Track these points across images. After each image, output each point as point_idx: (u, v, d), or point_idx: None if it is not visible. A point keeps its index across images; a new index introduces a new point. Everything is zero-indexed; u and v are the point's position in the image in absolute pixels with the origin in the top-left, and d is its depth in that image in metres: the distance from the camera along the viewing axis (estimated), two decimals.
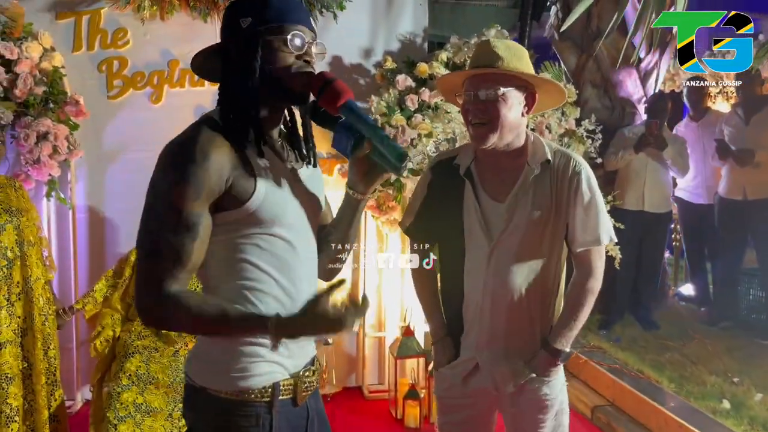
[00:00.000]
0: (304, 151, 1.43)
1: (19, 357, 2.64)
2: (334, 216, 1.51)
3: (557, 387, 1.79)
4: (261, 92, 1.29)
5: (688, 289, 5.11)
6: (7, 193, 2.70)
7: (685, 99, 4.82)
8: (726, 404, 3.18)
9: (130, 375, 2.73)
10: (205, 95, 3.54)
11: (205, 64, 1.37)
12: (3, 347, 2.57)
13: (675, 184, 4.70)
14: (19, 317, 2.65)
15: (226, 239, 1.29)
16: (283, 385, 1.33)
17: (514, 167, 1.71)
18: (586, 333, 4.31)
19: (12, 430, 2.59)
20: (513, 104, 1.65)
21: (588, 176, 1.70)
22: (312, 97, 1.32)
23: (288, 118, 1.43)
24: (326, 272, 1.51)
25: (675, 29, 3.61)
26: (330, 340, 3.83)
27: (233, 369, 1.30)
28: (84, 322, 3.25)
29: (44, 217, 3.35)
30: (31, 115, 3.18)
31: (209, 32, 3.52)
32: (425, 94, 3.44)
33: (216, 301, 1.26)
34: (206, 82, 3.57)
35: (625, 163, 4.28)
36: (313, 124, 1.43)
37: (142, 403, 2.69)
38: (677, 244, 5.70)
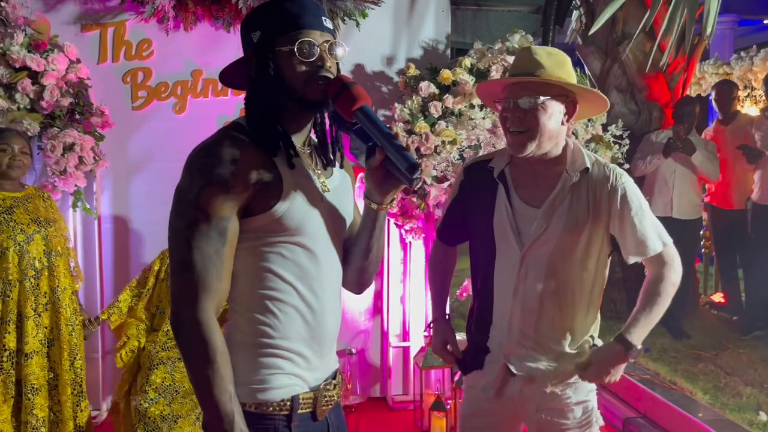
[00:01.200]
0: (330, 156, 1.39)
1: (45, 367, 2.66)
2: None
3: (583, 392, 1.75)
4: (280, 102, 1.29)
5: (719, 298, 4.98)
6: (35, 204, 2.72)
7: (713, 102, 4.72)
8: (763, 416, 3.08)
9: (156, 388, 2.72)
10: (228, 105, 3.55)
11: (230, 76, 1.39)
12: (30, 357, 2.58)
13: (705, 190, 4.59)
14: (46, 327, 2.66)
15: (250, 247, 1.27)
16: (303, 399, 1.30)
17: (551, 174, 1.68)
18: None
19: None
20: (553, 113, 1.62)
21: (632, 186, 1.68)
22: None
23: (319, 122, 1.39)
24: (354, 285, 1.47)
25: (705, 32, 3.54)
26: (353, 350, 3.80)
27: (252, 380, 1.27)
28: (109, 332, 3.25)
29: (70, 227, 3.37)
30: (57, 127, 3.21)
31: (232, 42, 3.53)
32: (449, 100, 3.41)
33: (230, 369, 1.22)
34: (229, 92, 3.58)
35: (653, 169, 4.20)
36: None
37: (169, 414, 2.68)
38: (706, 251, 5.57)
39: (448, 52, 3.82)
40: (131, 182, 3.58)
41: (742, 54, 5.91)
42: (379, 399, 3.85)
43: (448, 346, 1.88)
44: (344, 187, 1.43)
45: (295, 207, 1.27)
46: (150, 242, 3.55)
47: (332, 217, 1.36)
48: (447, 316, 1.93)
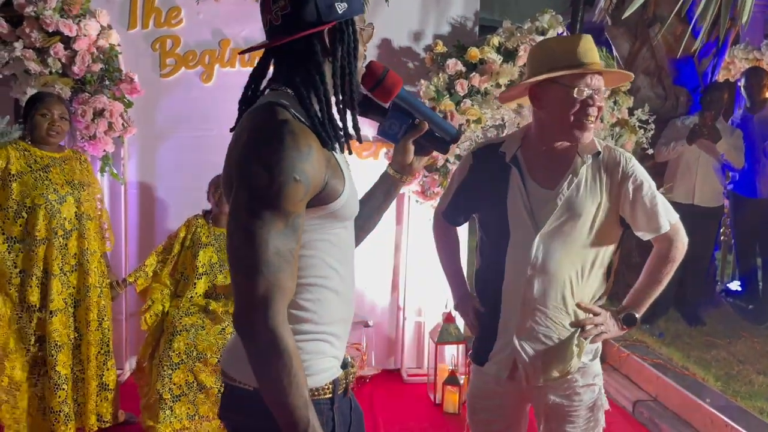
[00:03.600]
0: (349, 140, 1.31)
1: (69, 326, 2.74)
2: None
3: (590, 376, 1.79)
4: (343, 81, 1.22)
5: (736, 286, 4.98)
6: (72, 166, 2.78)
7: (742, 90, 4.65)
8: None
9: (179, 353, 2.80)
10: None
11: (274, 52, 1.26)
12: (54, 315, 2.66)
13: (728, 178, 4.56)
14: (73, 288, 2.74)
15: (305, 237, 1.20)
16: (340, 379, 1.28)
17: (564, 157, 1.72)
18: None
19: (59, 397, 2.68)
20: None
21: (640, 169, 1.73)
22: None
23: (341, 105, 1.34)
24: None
25: (741, 19, 3.47)
26: (371, 323, 3.87)
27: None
28: (134, 294, 3.34)
29: None
30: (88, 92, 3.26)
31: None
32: (475, 79, 3.40)
33: (297, 366, 1.13)
34: (256, 62, 3.59)
35: (676, 155, 4.18)
36: None
37: (193, 381, 2.77)
38: (725, 239, 5.54)
39: (476, 29, 3.79)
40: (158, 149, 3.63)
41: None
42: (393, 371, 3.93)
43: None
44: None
45: (350, 197, 1.25)
46: (174, 209, 3.60)
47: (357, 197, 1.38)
48: (470, 293, 1.96)
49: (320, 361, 1.25)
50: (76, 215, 2.72)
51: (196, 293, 3.09)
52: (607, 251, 1.75)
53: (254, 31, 3.56)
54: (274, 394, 1.12)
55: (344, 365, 1.33)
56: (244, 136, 1.16)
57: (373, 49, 3.67)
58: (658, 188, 3.66)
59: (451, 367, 3.53)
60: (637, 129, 3.62)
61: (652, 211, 1.71)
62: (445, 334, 3.56)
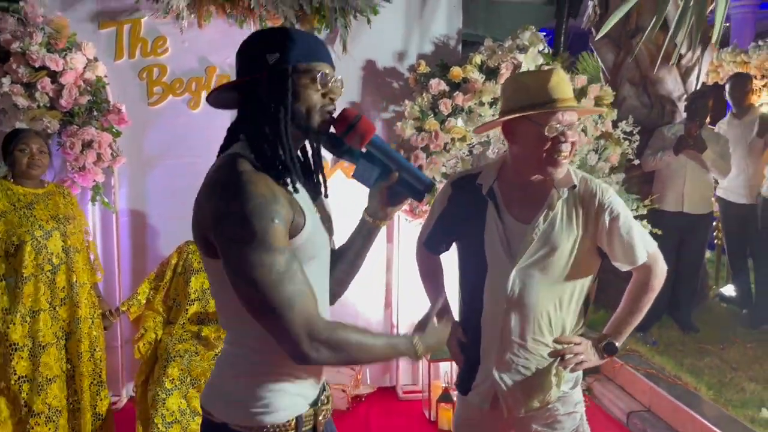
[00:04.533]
0: (320, 183, 1.42)
1: (61, 359, 2.76)
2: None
3: (571, 404, 1.82)
4: (290, 128, 1.28)
5: (729, 290, 5.00)
6: (55, 201, 2.81)
7: (727, 96, 4.68)
8: (765, 413, 3.13)
9: (173, 379, 2.83)
10: None
11: (221, 98, 1.36)
12: (45, 349, 2.69)
13: (716, 183, 4.59)
14: (63, 321, 2.76)
15: None
16: (305, 417, 1.33)
17: (540, 190, 1.73)
18: None
19: (49, 429, 2.70)
20: None
21: (617, 200, 1.73)
22: (332, 130, 1.34)
23: (314, 150, 1.42)
24: (333, 295, 1.48)
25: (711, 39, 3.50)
26: None
27: (257, 404, 1.28)
28: (129, 321, 3.37)
29: (90, 221, 3.46)
30: (76, 124, 3.30)
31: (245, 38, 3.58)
32: (459, 97, 3.44)
33: (361, 330, 1.26)
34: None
35: (663, 165, 4.20)
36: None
37: (186, 408, 2.79)
38: (719, 242, 5.57)
39: (459, 47, 3.83)
40: (148, 177, 3.67)
41: (760, 43, 5.84)
42: (388, 389, 3.95)
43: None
44: (326, 204, 1.47)
45: (314, 233, 1.30)
46: (166, 235, 3.63)
47: (329, 235, 1.43)
48: (455, 321, 1.98)
49: (280, 399, 1.30)
50: (63, 249, 2.75)
51: (189, 319, 3.13)
52: (585, 282, 1.77)
53: None
54: (377, 359, 1.31)
55: (315, 402, 1.36)
56: (211, 191, 1.22)
57: (357, 70, 3.71)
58: (646, 197, 3.69)
59: (444, 384, 3.55)
60: (622, 141, 3.65)
61: (629, 243, 1.71)
62: (438, 351, 3.56)
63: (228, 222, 1.17)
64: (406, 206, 3.63)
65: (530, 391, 1.76)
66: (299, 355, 1.19)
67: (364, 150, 1.37)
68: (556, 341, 1.76)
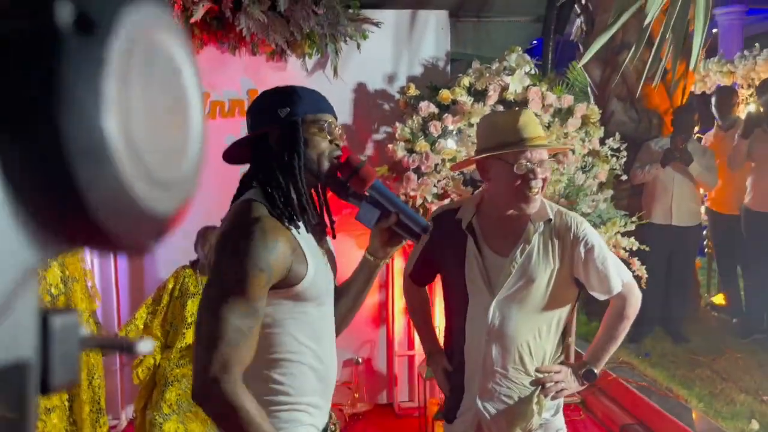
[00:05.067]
0: (329, 227, 1.55)
1: None
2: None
3: (553, 431, 1.89)
4: (304, 175, 1.39)
5: (720, 300, 5.06)
6: None
7: (713, 108, 4.76)
8: (755, 425, 3.18)
9: (170, 404, 2.88)
10: (235, 125, 3.66)
11: (234, 154, 1.47)
12: None
13: (705, 195, 4.66)
14: None
15: (272, 314, 1.37)
16: None
17: (517, 224, 1.80)
18: None
19: None
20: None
21: (591, 233, 1.80)
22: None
23: (321, 195, 1.53)
24: (337, 329, 1.60)
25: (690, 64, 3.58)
26: (360, 359, 3.94)
27: None
28: None
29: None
30: None
31: (237, 65, 3.65)
32: (448, 119, 3.50)
33: (261, 415, 1.29)
34: (236, 113, 3.71)
35: (651, 177, 4.28)
36: None
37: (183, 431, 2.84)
38: (710, 251, 5.64)
39: (448, 68, 3.90)
40: None
41: (746, 53, 5.93)
42: (386, 406, 3.99)
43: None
44: (331, 246, 1.59)
45: (317, 278, 1.40)
46: (163, 260, 3.68)
47: (331, 278, 1.52)
48: (441, 350, 2.04)
49: (295, 429, 1.40)
50: (61, 279, 2.80)
51: (186, 343, 3.17)
52: (563, 312, 1.84)
53: (233, 83, 3.68)
54: None
55: (324, 430, 1.49)
56: (224, 227, 1.37)
57: (348, 93, 3.78)
58: (635, 211, 3.75)
59: (441, 401, 3.60)
60: (609, 158, 3.71)
61: (604, 273, 1.78)
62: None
63: (225, 256, 1.31)
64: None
65: (513, 419, 1.82)
66: (195, 392, 1.29)
67: (366, 194, 1.47)
68: (537, 370, 1.82)
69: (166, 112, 0.36)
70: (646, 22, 2.80)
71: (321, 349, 1.44)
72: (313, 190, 1.48)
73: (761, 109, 4.35)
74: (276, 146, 1.38)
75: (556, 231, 1.79)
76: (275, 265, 1.29)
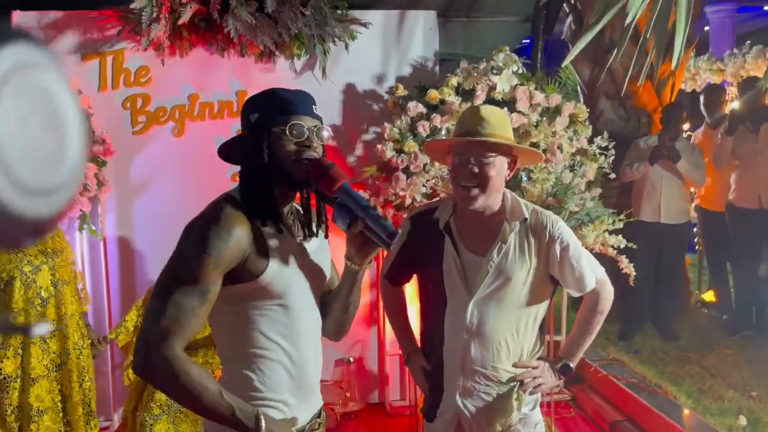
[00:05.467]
0: (313, 228, 1.57)
1: (53, 391, 2.82)
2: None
3: (531, 426, 1.90)
4: (272, 177, 1.44)
5: (710, 296, 5.09)
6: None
7: (702, 107, 4.79)
8: (743, 420, 3.21)
9: (161, 405, 2.88)
10: (225, 127, 3.68)
11: (228, 152, 1.54)
12: (36, 381, 2.75)
13: (694, 193, 4.69)
14: (54, 353, 2.82)
15: (239, 310, 1.43)
16: None
17: (493, 224, 1.82)
18: (606, 344, 4.35)
19: None
20: (500, 169, 1.76)
21: (566, 231, 1.82)
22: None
23: (305, 196, 1.55)
24: (332, 333, 1.65)
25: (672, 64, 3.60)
26: (351, 359, 3.96)
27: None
28: (119, 346, 3.42)
29: (77, 249, 3.53)
30: None
31: (226, 66, 3.66)
32: (437, 119, 3.52)
33: (208, 378, 1.34)
34: (225, 114, 3.73)
35: (639, 176, 4.30)
36: None
37: None
38: (700, 247, 5.67)
39: (437, 69, 3.92)
40: (134, 204, 3.73)
41: (736, 51, 5.96)
42: (377, 405, 4.01)
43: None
44: (322, 248, 1.60)
45: (280, 275, 1.43)
46: (153, 261, 3.70)
47: (312, 277, 1.53)
48: (419, 350, 2.05)
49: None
50: (51, 282, 2.81)
51: None
52: (540, 309, 1.86)
53: (222, 85, 3.69)
54: (194, 405, 1.35)
55: (302, 429, 1.51)
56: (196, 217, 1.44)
57: (337, 93, 3.80)
58: (625, 209, 3.77)
59: None
60: (597, 156, 3.73)
61: (578, 271, 1.81)
62: None
63: (184, 238, 1.39)
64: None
65: (493, 415, 1.84)
66: (135, 363, 1.33)
67: (335, 196, 1.46)
68: (515, 366, 1.84)
69: (42, 130, 0.43)
70: (627, 21, 2.81)
71: (293, 347, 1.46)
72: (305, 191, 1.51)
73: (744, 107, 4.38)
74: (248, 150, 1.45)
75: (531, 230, 1.81)
76: (225, 253, 1.34)
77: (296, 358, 1.47)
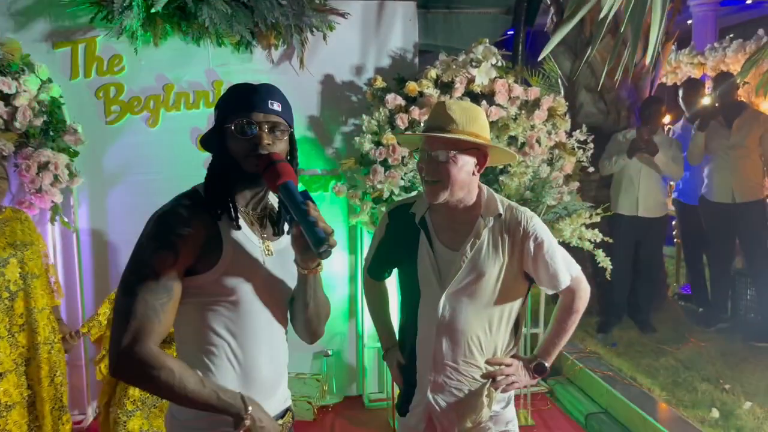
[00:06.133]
0: (276, 224, 1.55)
1: (21, 385, 2.77)
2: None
3: (503, 423, 1.89)
4: (230, 172, 1.45)
5: (687, 289, 5.14)
6: (12, 227, 2.81)
7: (681, 101, 4.81)
8: (715, 413, 3.24)
9: (134, 400, 2.85)
10: (201, 118, 3.63)
11: (205, 143, 1.54)
12: (3, 376, 2.69)
13: (672, 188, 4.72)
14: (22, 347, 2.77)
15: (194, 303, 1.42)
16: None
17: (467, 219, 1.80)
18: (584, 337, 4.38)
19: None
20: (464, 165, 1.73)
21: (541, 228, 1.80)
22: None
23: (264, 193, 1.53)
24: (305, 335, 1.61)
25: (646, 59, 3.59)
26: (329, 352, 3.94)
27: (193, 424, 1.44)
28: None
29: (49, 241, 3.46)
30: (31, 146, 3.29)
31: (202, 56, 3.59)
32: (415, 112, 3.49)
33: (194, 373, 1.36)
34: (201, 104, 3.66)
35: (618, 169, 4.32)
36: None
37: (148, 429, 2.81)
38: (678, 240, 5.71)
39: (416, 60, 3.88)
40: (108, 195, 3.67)
41: (716, 45, 5.98)
42: (355, 397, 4.00)
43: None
44: (290, 249, 1.53)
45: (232, 270, 1.42)
46: (127, 254, 3.59)
47: (272, 278, 1.50)
48: (397, 345, 2.05)
49: (228, 423, 1.41)
50: (20, 275, 2.75)
51: None
52: (513, 306, 1.84)
53: (196, 73, 3.63)
54: (177, 398, 1.34)
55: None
56: None
57: (316, 84, 3.75)
58: (603, 203, 3.77)
59: None
60: (575, 150, 3.73)
61: (553, 268, 1.79)
62: None
63: (142, 236, 1.40)
64: (367, 218, 3.68)
65: (463, 411, 1.83)
66: (110, 366, 1.34)
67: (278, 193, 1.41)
68: (487, 363, 1.83)
69: None
70: (602, 14, 2.80)
71: (241, 346, 1.45)
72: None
73: (717, 102, 4.40)
74: (214, 145, 1.48)
75: (506, 226, 1.79)
76: (182, 246, 1.35)
77: (243, 359, 1.46)
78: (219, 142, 1.45)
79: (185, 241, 1.36)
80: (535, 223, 1.80)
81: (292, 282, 1.54)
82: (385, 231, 1.93)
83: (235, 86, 1.48)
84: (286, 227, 1.55)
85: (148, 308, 1.32)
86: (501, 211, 1.79)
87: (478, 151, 1.76)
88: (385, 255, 1.95)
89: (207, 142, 1.51)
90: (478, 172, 1.78)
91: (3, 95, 3.19)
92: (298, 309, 1.55)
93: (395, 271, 2.00)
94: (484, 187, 1.84)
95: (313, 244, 1.31)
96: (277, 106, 1.45)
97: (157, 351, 1.32)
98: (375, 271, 2.03)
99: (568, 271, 1.83)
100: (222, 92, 1.54)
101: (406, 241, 1.85)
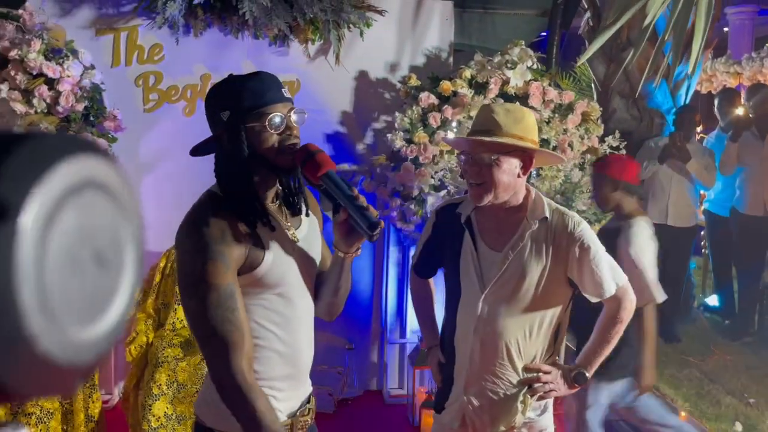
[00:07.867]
0: (297, 207, 1.55)
1: None
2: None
3: (537, 428, 1.89)
4: (254, 171, 1.42)
5: (713, 301, 5.08)
6: None
7: (716, 110, 4.75)
8: (738, 427, 3.22)
9: (160, 385, 2.91)
10: None
11: (200, 151, 1.51)
12: None
13: (703, 198, 4.67)
14: None
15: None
16: (284, 425, 1.49)
17: (513, 221, 1.81)
18: None
19: (40, 430, 2.79)
20: (507, 168, 1.73)
21: (589, 234, 1.78)
22: None
23: (294, 184, 1.53)
24: (325, 314, 1.66)
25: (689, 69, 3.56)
26: (352, 346, 3.98)
27: None
28: None
29: None
30: (72, 130, 3.37)
31: (240, 47, 3.64)
32: (448, 111, 3.50)
33: (260, 393, 1.40)
34: None
35: (649, 175, 4.28)
36: None
37: (172, 413, 2.87)
38: (706, 251, 5.65)
39: (451, 60, 3.89)
40: (142, 181, 3.74)
41: (753, 54, 5.90)
42: (375, 392, 4.03)
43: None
44: (312, 232, 1.60)
45: (275, 265, 1.44)
46: (158, 240, 3.67)
47: (304, 263, 1.54)
48: (439, 344, 2.04)
49: None
50: None
51: (178, 319, 3.21)
52: (555, 312, 1.82)
53: (234, 64, 3.67)
54: (246, 421, 1.37)
55: (293, 414, 1.54)
56: (183, 220, 1.44)
57: (349, 80, 3.77)
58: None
59: (428, 391, 3.63)
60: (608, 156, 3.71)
61: (598, 275, 1.76)
62: (423, 357, 3.66)
63: (182, 254, 1.40)
64: (395, 214, 3.70)
65: (496, 415, 1.84)
66: (213, 378, 1.39)
67: (320, 183, 1.43)
68: (526, 368, 1.83)
69: (94, 266, 0.39)
70: (646, 22, 2.78)
71: (288, 334, 1.49)
72: (292, 179, 1.51)
73: (750, 113, 4.35)
74: (226, 148, 1.41)
75: (552, 229, 1.78)
76: (228, 252, 1.36)
77: (291, 346, 1.50)
78: (237, 142, 1.37)
79: (230, 245, 1.36)
80: (583, 229, 1.78)
81: (317, 264, 1.59)
82: (432, 229, 1.96)
83: (236, 81, 1.42)
84: (303, 208, 1.56)
85: (222, 323, 1.34)
86: (547, 214, 1.78)
87: (524, 153, 1.75)
88: (431, 253, 1.98)
89: (207, 147, 1.48)
90: (524, 174, 1.77)
91: (48, 79, 3.28)
92: (327, 291, 1.59)
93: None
94: (533, 190, 1.84)
95: (366, 228, 1.35)
96: (287, 93, 1.44)
97: (247, 384, 1.36)
98: (421, 268, 2.06)
99: (614, 280, 1.80)
100: (211, 96, 1.48)
101: (451, 240, 1.87)
